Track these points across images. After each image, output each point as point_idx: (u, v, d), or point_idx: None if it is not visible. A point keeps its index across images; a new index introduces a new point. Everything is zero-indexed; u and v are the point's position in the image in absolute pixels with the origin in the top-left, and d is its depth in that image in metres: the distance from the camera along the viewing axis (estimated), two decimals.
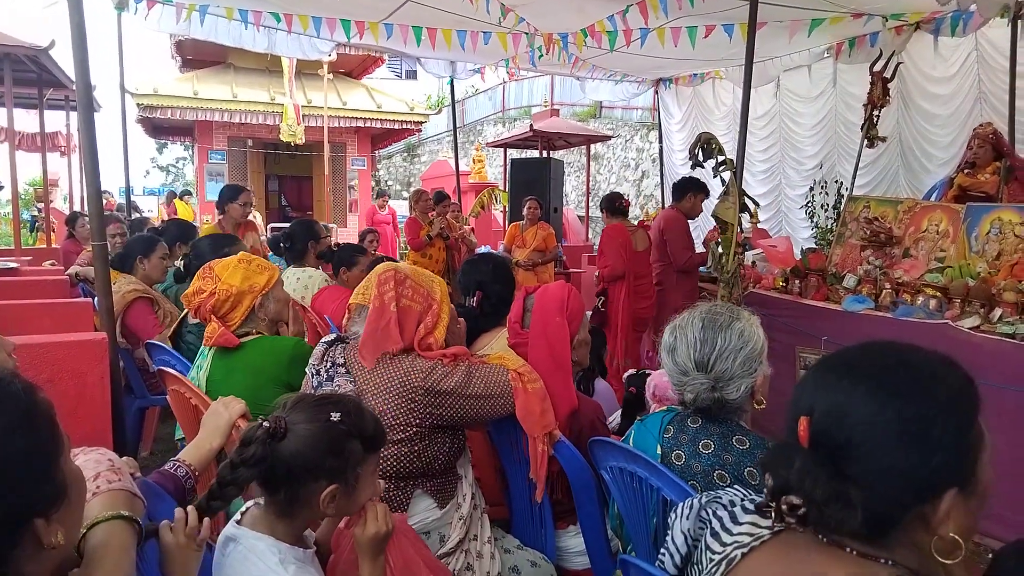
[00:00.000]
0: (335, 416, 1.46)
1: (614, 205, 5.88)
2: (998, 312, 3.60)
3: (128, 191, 7.90)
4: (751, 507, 1.09)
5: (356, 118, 16.04)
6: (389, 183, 25.40)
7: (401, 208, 14.78)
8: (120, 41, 6.31)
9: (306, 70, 15.36)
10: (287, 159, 17.60)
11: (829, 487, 0.96)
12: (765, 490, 1.04)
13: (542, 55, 6.61)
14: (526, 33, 6.18)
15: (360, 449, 1.48)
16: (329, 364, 2.15)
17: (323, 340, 2.25)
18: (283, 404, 1.52)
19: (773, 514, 1.02)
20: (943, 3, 4.36)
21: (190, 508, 1.38)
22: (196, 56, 15.77)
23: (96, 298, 3.32)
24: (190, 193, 16.18)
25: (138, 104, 14.16)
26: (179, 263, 3.34)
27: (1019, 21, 5.16)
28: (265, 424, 1.42)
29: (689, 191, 5.67)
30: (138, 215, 8.28)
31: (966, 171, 4.92)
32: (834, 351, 1.07)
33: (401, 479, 2.03)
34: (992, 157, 4.80)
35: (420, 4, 5.36)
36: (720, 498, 1.15)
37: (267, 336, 2.59)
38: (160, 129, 18.87)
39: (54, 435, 1.02)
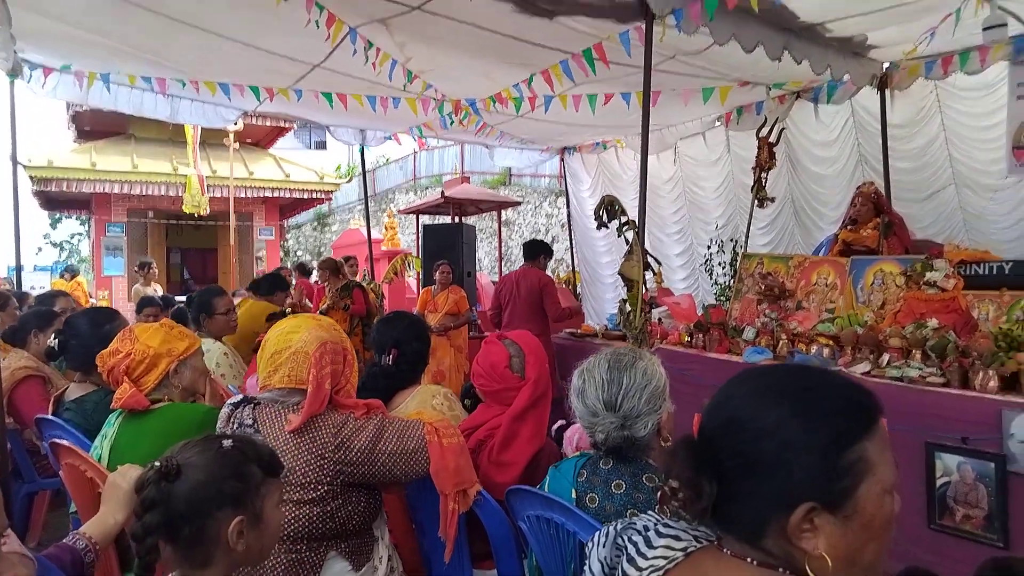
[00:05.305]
0: (227, 443, 1.45)
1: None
2: (886, 357, 3.80)
3: (19, 269, 7.41)
4: (664, 531, 1.12)
5: (263, 188, 15.85)
6: (299, 253, 25.00)
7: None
8: (12, 110, 6.06)
9: (211, 140, 15.13)
10: (191, 230, 17.16)
11: (686, 472, 1.00)
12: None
13: (453, 121, 6.76)
14: (434, 98, 6.32)
15: (259, 472, 1.45)
16: (236, 425, 2.08)
17: (229, 402, 2.17)
18: (171, 451, 1.47)
19: (659, 499, 1.06)
20: (819, 73, 4.74)
21: None
22: (94, 127, 15.24)
23: None
24: (75, 272, 14.32)
25: (31, 176, 13.59)
26: (52, 341, 3.19)
27: (886, 90, 5.66)
28: (156, 464, 1.39)
29: (541, 253, 6.68)
30: (25, 291, 7.73)
31: (849, 227, 5.26)
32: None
33: (314, 540, 1.96)
34: (873, 214, 5.16)
35: (328, 70, 5.42)
36: (635, 524, 1.17)
37: (179, 403, 2.50)
38: (55, 202, 18.04)
39: None
